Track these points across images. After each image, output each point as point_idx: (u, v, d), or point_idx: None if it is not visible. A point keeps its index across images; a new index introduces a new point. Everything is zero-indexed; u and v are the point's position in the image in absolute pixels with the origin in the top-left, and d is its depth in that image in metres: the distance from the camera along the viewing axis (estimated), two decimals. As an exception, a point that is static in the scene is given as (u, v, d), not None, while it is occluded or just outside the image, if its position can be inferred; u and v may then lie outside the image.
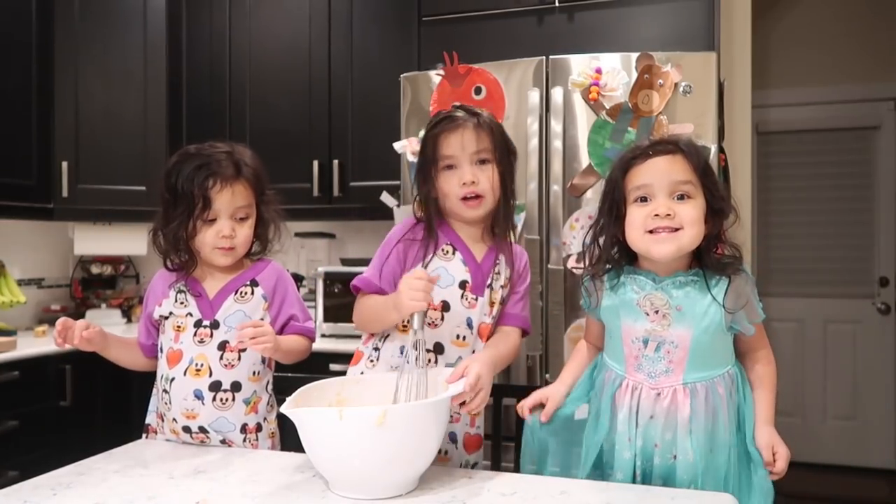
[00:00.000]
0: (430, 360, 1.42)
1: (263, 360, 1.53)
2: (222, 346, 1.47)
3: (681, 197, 1.24)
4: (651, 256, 1.26)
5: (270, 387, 1.57)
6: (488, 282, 1.46)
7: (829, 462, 4.13)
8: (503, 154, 1.44)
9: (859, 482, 3.92)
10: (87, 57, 3.05)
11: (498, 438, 1.66)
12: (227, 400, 1.46)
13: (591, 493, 1.16)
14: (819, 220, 4.23)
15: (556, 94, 2.22)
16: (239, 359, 1.48)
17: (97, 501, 1.13)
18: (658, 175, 1.25)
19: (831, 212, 4.21)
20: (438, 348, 1.43)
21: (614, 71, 2.18)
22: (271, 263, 1.58)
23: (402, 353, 1.44)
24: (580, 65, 2.22)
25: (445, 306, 1.43)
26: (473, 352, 1.44)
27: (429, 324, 1.42)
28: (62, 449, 2.39)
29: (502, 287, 1.48)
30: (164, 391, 1.48)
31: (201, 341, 1.47)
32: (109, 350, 1.54)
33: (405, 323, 1.42)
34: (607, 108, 2.19)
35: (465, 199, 1.41)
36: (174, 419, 1.47)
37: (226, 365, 1.47)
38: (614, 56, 2.20)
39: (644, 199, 1.26)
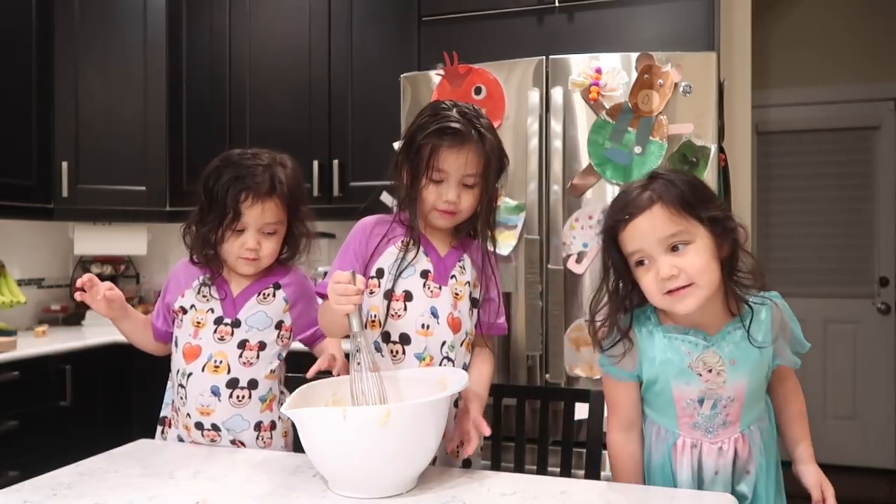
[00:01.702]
0: (396, 352, 1.42)
1: (280, 358, 1.55)
2: (242, 345, 1.49)
3: (679, 245, 1.17)
4: (678, 313, 1.20)
5: (283, 383, 1.58)
6: (451, 273, 1.45)
7: (829, 462, 4.11)
8: (492, 177, 1.42)
9: (859, 482, 3.92)
10: (87, 57, 3.05)
11: (498, 438, 1.66)
12: (243, 397, 1.47)
13: (591, 493, 1.16)
14: (819, 220, 4.23)
15: (556, 94, 2.22)
16: (257, 357, 1.49)
17: (97, 501, 1.13)
18: (644, 238, 1.18)
19: (831, 212, 4.21)
20: (404, 339, 1.42)
21: (614, 71, 2.18)
22: (294, 270, 1.60)
23: (381, 354, 1.45)
24: (580, 65, 2.22)
25: (408, 296, 1.42)
26: (443, 344, 1.42)
27: (391, 315, 1.42)
28: (62, 449, 2.39)
29: (468, 283, 1.46)
30: (181, 386, 1.49)
31: (221, 339, 1.48)
32: (124, 321, 1.58)
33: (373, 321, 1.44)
34: (607, 108, 2.19)
35: (439, 210, 1.41)
36: (188, 414, 1.48)
37: (244, 363, 1.48)
38: (614, 56, 2.20)
39: (643, 262, 1.20)
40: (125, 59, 3.10)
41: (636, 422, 1.30)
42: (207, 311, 1.50)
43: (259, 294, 1.52)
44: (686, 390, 1.22)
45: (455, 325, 1.44)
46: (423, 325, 1.42)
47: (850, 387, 4.15)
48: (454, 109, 1.40)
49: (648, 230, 1.17)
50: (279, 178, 1.49)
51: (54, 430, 2.55)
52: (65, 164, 2.98)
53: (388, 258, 1.45)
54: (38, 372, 2.51)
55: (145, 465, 1.33)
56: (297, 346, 2.63)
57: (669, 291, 1.17)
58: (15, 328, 2.82)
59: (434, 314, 1.42)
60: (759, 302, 1.23)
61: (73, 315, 3.21)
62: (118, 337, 1.63)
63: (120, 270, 3.44)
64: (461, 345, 1.46)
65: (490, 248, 1.52)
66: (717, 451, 1.23)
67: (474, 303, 1.49)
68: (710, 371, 1.21)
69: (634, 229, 1.19)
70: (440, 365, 1.42)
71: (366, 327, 1.39)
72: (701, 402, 1.22)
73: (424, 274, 1.43)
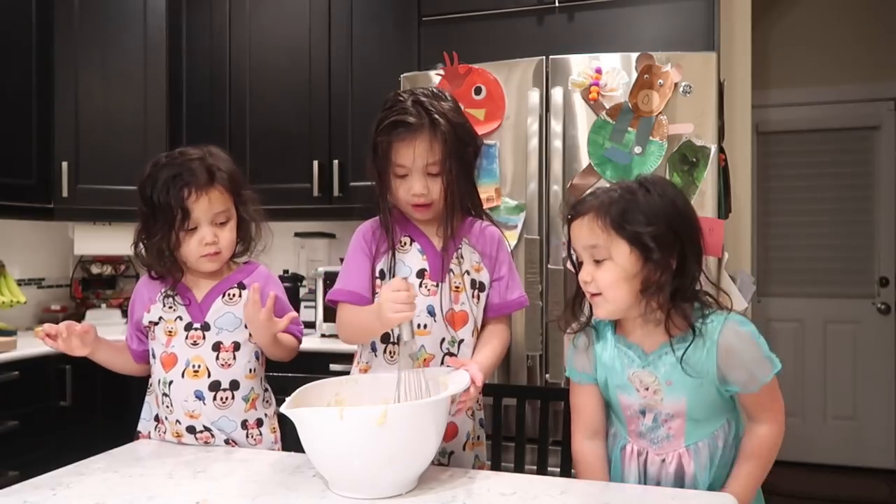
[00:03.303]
0: (393, 353, 1.42)
1: (257, 357, 1.54)
2: (216, 347, 1.48)
3: (599, 259, 1.23)
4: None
5: (264, 381, 1.58)
6: (448, 267, 1.43)
7: (829, 462, 4.13)
8: (455, 161, 1.38)
9: (859, 482, 3.92)
10: (87, 57, 3.05)
11: (498, 438, 1.66)
12: (227, 399, 1.47)
13: (591, 493, 1.16)
14: (819, 220, 4.23)
15: (556, 94, 2.22)
16: (234, 358, 1.49)
17: (97, 501, 1.13)
18: (576, 241, 1.27)
19: (831, 212, 4.21)
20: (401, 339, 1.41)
21: (614, 71, 2.18)
22: (259, 267, 1.59)
23: (375, 354, 1.45)
24: (580, 65, 2.22)
25: (413, 292, 1.40)
26: (443, 341, 1.41)
27: None
28: (62, 449, 2.39)
29: (467, 273, 1.45)
30: (164, 394, 1.49)
31: (194, 343, 1.48)
32: (100, 352, 1.54)
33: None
34: (607, 108, 2.19)
35: (415, 205, 1.41)
36: (177, 420, 1.48)
37: (222, 365, 1.48)
38: (614, 56, 2.20)
39: (581, 262, 1.28)
40: (125, 60, 3.09)
41: (601, 428, 1.34)
42: (176, 318, 1.49)
43: (224, 295, 1.51)
44: (628, 400, 1.27)
45: (457, 320, 1.43)
46: (419, 325, 1.41)
47: (850, 387, 4.15)
48: (410, 99, 1.38)
49: (577, 235, 1.26)
50: (215, 165, 1.47)
51: (54, 430, 2.55)
52: (65, 164, 2.98)
53: (386, 261, 1.45)
54: (38, 372, 2.51)
55: (145, 465, 1.33)
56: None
57: (591, 294, 1.25)
58: (15, 328, 2.81)
59: (431, 313, 1.42)
60: (707, 326, 1.21)
61: (73, 315, 3.21)
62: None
63: (120, 270, 3.44)
64: (472, 335, 1.45)
65: (484, 223, 1.49)
66: (661, 463, 1.25)
67: (481, 287, 1.46)
68: (646, 389, 1.25)
69: (572, 230, 1.28)
70: (442, 362, 1.41)
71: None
72: (643, 412, 1.26)
73: (421, 273, 1.43)
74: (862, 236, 4.18)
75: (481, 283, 1.47)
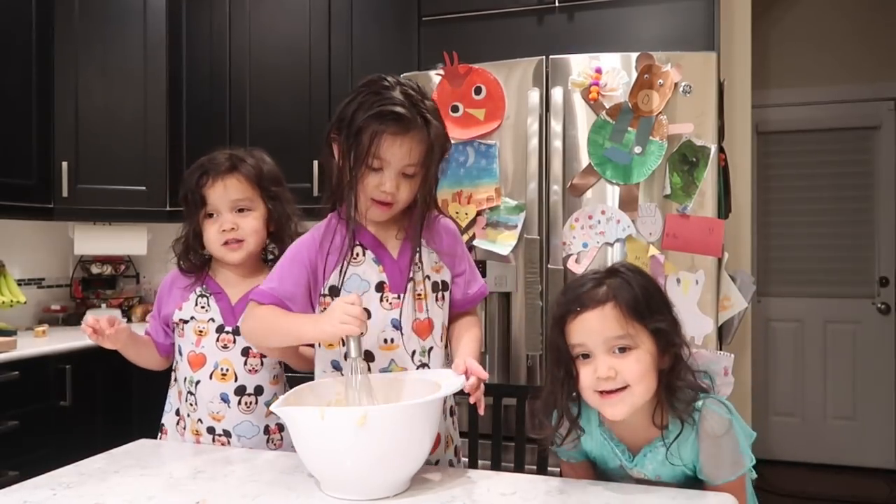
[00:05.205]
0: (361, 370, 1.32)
1: (280, 363, 1.55)
2: (245, 352, 1.49)
3: (622, 349, 1.14)
4: (606, 416, 1.19)
5: (287, 387, 1.58)
6: (409, 275, 1.33)
7: (829, 462, 4.13)
8: (434, 165, 1.29)
9: (859, 482, 3.92)
10: (87, 57, 3.04)
11: (498, 438, 1.66)
12: (251, 403, 1.49)
13: (591, 493, 1.16)
14: (819, 220, 4.23)
15: (556, 94, 2.22)
16: (262, 364, 1.50)
17: (97, 501, 1.13)
18: (590, 334, 1.15)
19: (831, 212, 4.22)
20: (368, 356, 1.31)
21: (614, 71, 2.18)
22: None
23: (333, 367, 1.37)
24: (580, 65, 2.22)
25: (366, 314, 1.27)
26: (414, 353, 1.34)
27: None
28: (62, 449, 2.38)
29: (427, 277, 1.35)
30: (190, 393, 1.50)
31: (224, 346, 1.49)
32: (131, 348, 1.56)
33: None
34: (607, 108, 2.19)
35: (375, 201, 1.29)
36: (199, 420, 1.49)
37: (250, 370, 1.49)
38: (614, 56, 2.20)
39: (586, 356, 1.16)
40: (125, 59, 3.10)
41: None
42: (208, 320, 1.50)
43: None
44: (617, 477, 1.27)
45: (423, 329, 1.35)
46: (385, 340, 1.33)
47: (850, 387, 4.15)
48: (397, 89, 1.27)
49: (596, 327, 1.15)
50: (242, 158, 1.51)
51: (54, 430, 2.55)
52: (65, 164, 2.98)
53: (338, 275, 1.33)
54: (38, 372, 2.51)
55: (145, 465, 1.33)
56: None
57: (602, 392, 1.15)
58: (15, 328, 2.81)
59: (396, 326, 1.33)
60: (691, 415, 1.17)
61: (73, 315, 3.21)
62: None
63: (120, 270, 3.44)
64: (440, 339, 1.38)
65: (434, 215, 1.39)
66: None
67: (444, 286, 1.39)
68: (636, 480, 1.23)
69: (583, 323, 1.16)
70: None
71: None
72: (638, 481, 1.26)
73: (380, 287, 1.32)
74: (862, 236, 4.18)
75: (443, 283, 1.39)
